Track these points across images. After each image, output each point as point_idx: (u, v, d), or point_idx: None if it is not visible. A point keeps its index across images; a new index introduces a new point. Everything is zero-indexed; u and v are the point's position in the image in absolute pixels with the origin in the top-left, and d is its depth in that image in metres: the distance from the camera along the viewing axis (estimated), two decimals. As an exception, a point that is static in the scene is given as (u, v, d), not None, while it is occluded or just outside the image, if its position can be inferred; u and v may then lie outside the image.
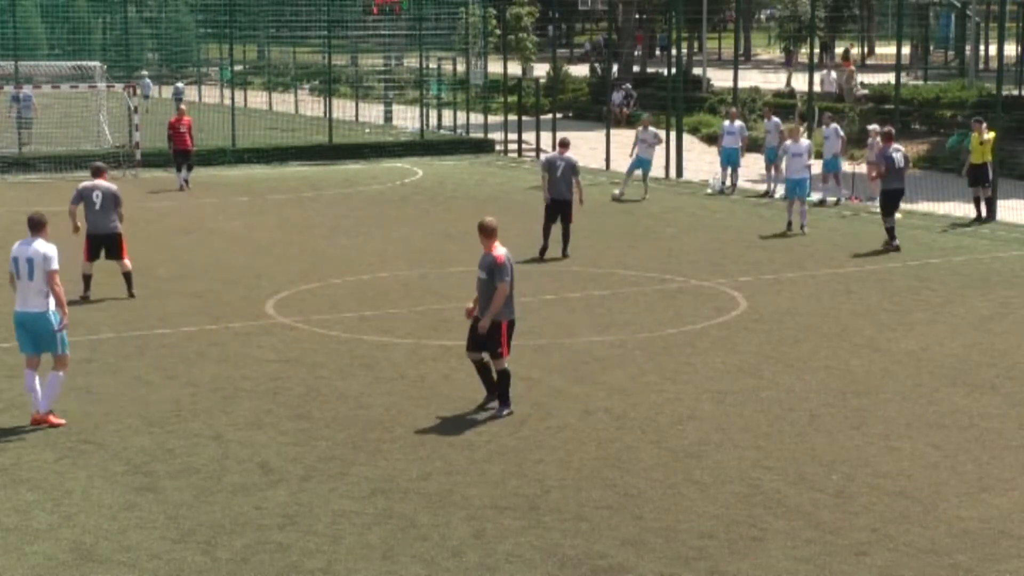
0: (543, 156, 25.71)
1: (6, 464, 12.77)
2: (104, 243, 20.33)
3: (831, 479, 12.20)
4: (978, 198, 27.88)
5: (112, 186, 20.46)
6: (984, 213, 27.82)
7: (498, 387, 14.26)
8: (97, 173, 20.50)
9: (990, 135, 27.63)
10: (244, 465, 12.66)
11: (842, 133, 30.91)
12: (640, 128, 32.63)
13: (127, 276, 20.37)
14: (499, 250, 14.11)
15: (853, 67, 49.56)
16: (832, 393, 15.02)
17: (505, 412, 14.15)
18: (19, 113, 40.03)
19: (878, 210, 29.47)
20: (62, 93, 41.56)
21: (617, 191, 31.86)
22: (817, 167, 33.49)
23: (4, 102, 41.47)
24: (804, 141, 27.11)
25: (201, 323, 18.63)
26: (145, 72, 45.20)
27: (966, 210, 29.31)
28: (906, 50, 54.69)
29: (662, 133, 34.39)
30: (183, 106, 35.73)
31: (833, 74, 48.27)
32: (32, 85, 40.82)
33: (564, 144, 25.08)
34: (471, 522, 11.20)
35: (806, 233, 26.05)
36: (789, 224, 26.39)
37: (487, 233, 14.20)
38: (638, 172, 32.16)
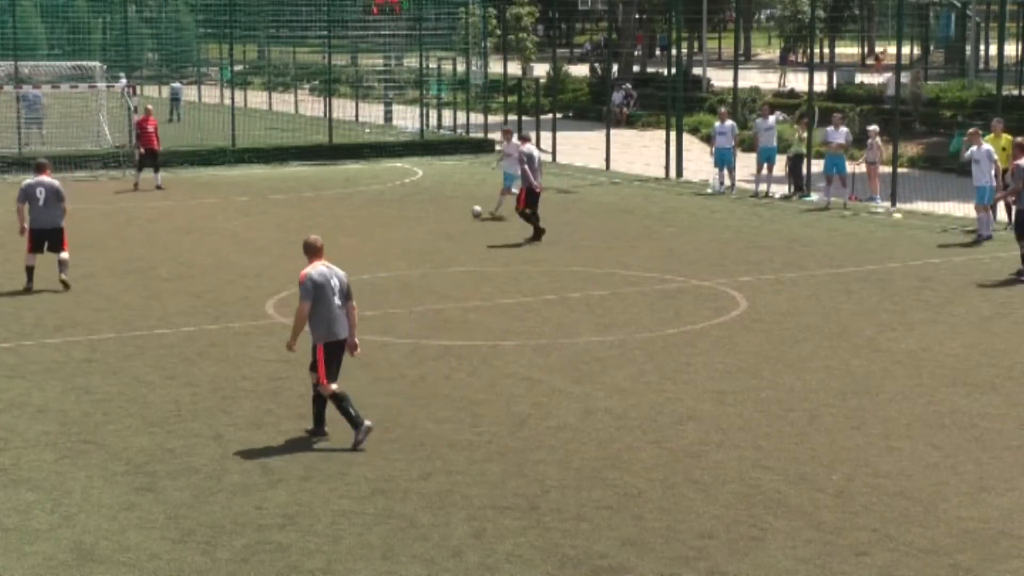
0: (525, 148, 25.81)
1: (6, 464, 12.77)
2: (47, 237, 20.82)
3: (831, 479, 12.19)
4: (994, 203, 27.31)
5: (55, 182, 20.93)
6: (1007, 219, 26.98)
7: (342, 414, 13.29)
8: (40, 169, 21.02)
9: (1009, 138, 26.93)
10: (244, 465, 12.66)
11: (849, 137, 30.61)
12: (504, 142, 29.53)
13: (63, 263, 20.77)
14: (307, 268, 13.28)
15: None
16: (832, 393, 15.02)
17: (359, 437, 13.12)
18: (19, 113, 40.00)
19: (879, 210, 29.57)
20: (62, 93, 41.57)
21: (478, 207, 28.53)
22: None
23: (5, 101, 41.47)
24: (986, 146, 25.37)
25: (201, 323, 18.62)
26: (122, 75, 45.18)
27: (967, 210, 29.28)
28: (906, 50, 54.63)
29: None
30: (149, 106, 35.74)
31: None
32: (32, 85, 40.83)
33: (526, 138, 27.23)
34: (471, 522, 11.19)
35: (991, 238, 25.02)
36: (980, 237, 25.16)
37: (306, 251, 13.46)
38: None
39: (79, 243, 24.93)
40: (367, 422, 13.21)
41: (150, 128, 33.94)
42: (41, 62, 47.29)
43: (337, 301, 13.27)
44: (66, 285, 20.69)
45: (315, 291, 13.14)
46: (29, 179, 21.08)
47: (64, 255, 20.81)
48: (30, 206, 20.73)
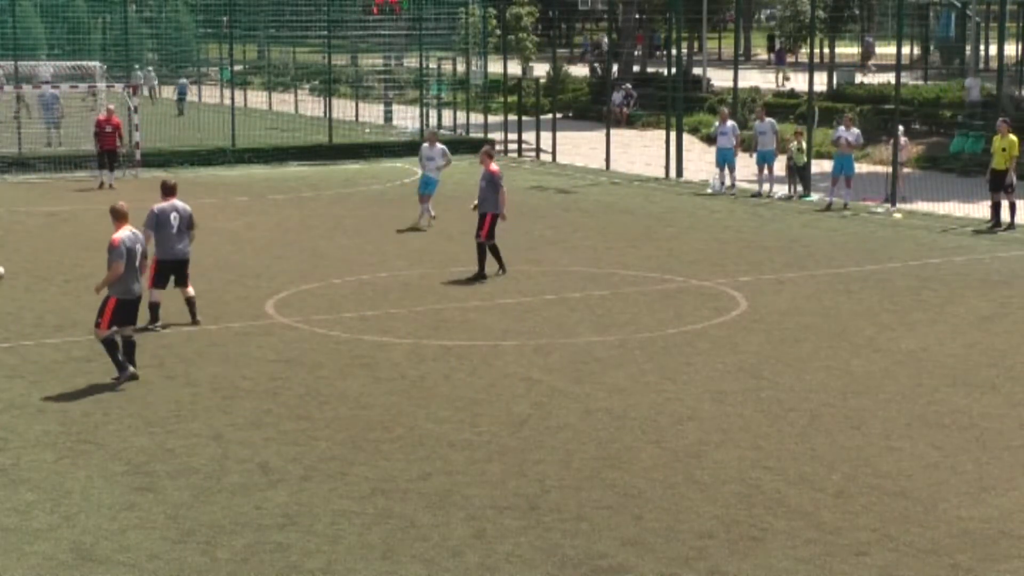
0: (496, 166, 22.17)
1: (6, 464, 12.77)
2: (176, 270, 18.24)
3: (831, 479, 12.19)
4: (997, 204, 26.92)
5: (187, 207, 18.52)
6: (1011, 219, 26.61)
7: (110, 358, 15.42)
8: (170, 191, 18.38)
9: (1012, 139, 26.86)
10: (244, 465, 12.66)
11: (860, 139, 30.59)
12: (426, 144, 28.10)
13: (190, 302, 18.35)
14: (118, 234, 15.27)
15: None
16: (832, 393, 15.02)
17: (121, 376, 15.33)
18: (17, 112, 40.04)
19: (880, 210, 29.56)
20: (62, 93, 41.58)
21: (424, 221, 27.30)
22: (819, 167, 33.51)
23: (6, 101, 41.50)
24: None
25: (201, 323, 18.60)
26: (150, 69, 45.53)
27: (966, 210, 29.31)
28: (906, 50, 54.62)
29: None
30: (111, 106, 35.74)
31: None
32: (32, 84, 40.86)
33: (492, 155, 22.82)
34: (471, 522, 11.19)
35: None
36: None
37: (114, 217, 15.50)
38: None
39: (80, 243, 24.97)
40: (132, 369, 15.40)
41: (109, 128, 34.03)
42: (41, 62, 47.29)
43: (137, 264, 15.44)
44: (197, 322, 18.31)
45: (126, 254, 15.19)
46: (159, 203, 18.16)
47: (191, 291, 18.36)
48: (160, 233, 17.94)
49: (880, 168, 34.23)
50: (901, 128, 31.19)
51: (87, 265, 22.69)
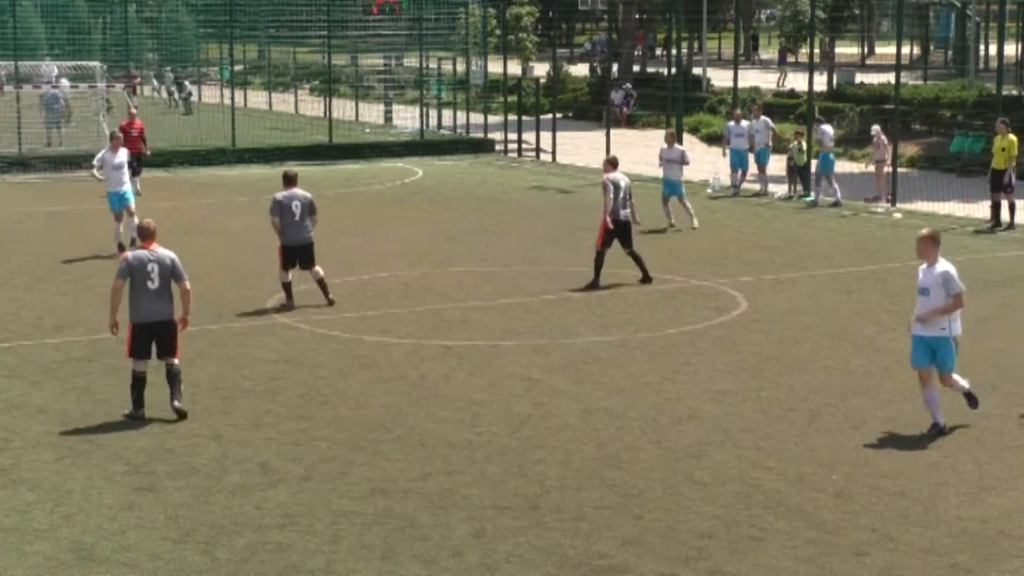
0: (612, 176, 21.17)
1: (6, 464, 12.77)
2: (300, 254, 19.44)
3: (831, 479, 12.19)
4: (997, 203, 26.95)
5: (308, 194, 19.85)
6: (1011, 219, 26.56)
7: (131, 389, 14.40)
8: (291, 181, 19.87)
9: (1012, 139, 26.84)
10: (244, 465, 12.66)
11: (832, 134, 30.87)
12: (665, 146, 28.18)
13: (321, 283, 19.62)
14: (129, 252, 14.59)
15: None
16: (832, 393, 15.02)
17: (132, 412, 14.14)
18: (13, 113, 40.08)
19: (879, 210, 29.56)
20: (62, 93, 41.61)
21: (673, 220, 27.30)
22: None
23: (6, 101, 41.52)
24: None
25: (201, 323, 18.57)
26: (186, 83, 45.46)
27: (966, 210, 29.30)
28: (906, 50, 54.64)
29: (688, 150, 30.08)
30: (134, 110, 35.53)
31: None
32: (32, 84, 40.88)
33: (614, 163, 21.85)
34: (471, 522, 11.19)
35: None
36: None
37: (139, 235, 14.79)
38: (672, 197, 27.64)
39: (80, 243, 24.97)
40: (142, 411, 14.09)
41: (134, 132, 33.59)
42: (40, 62, 47.32)
43: (153, 286, 14.16)
44: (332, 302, 19.58)
45: (130, 272, 14.11)
46: (281, 192, 19.68)
47: (320, 271, 19.61)
48: (283, 220, 19.37)
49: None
50: (878, 127, 31.18)
51: (87, 266, 22.70)
